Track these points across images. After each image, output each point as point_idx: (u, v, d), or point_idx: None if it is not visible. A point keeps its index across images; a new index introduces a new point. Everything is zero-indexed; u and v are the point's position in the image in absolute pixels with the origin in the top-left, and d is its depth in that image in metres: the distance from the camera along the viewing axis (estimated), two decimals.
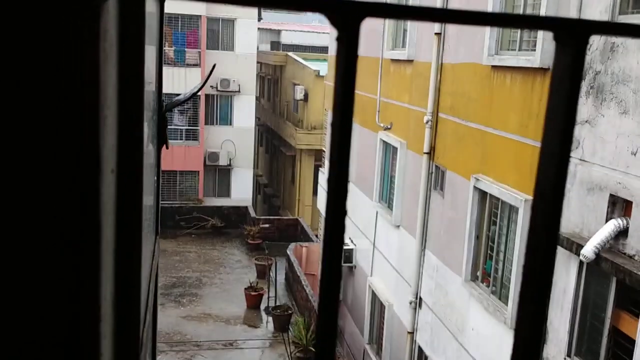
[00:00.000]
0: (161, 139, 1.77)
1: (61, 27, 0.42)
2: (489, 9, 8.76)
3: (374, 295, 13.54)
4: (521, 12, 8.27)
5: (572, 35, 0.42)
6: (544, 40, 7.44)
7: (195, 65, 25.39)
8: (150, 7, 1.56)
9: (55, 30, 0.42)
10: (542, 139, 0.43)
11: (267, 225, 22.91)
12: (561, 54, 0.42)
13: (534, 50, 7.80)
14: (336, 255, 0.44)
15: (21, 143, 0.45)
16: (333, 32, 0.41)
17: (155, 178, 1.69)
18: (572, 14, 6.94)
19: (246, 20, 26.36)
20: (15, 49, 0.43)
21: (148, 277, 1.33)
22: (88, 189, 0.47)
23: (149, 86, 1.48)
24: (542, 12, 7.48)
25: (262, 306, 17.48)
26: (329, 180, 0.43)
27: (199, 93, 23.78)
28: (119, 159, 0.57)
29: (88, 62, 0.43)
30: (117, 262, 0.67)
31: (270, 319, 16.68)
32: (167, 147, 1.85)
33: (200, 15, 25.39)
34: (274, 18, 49.74)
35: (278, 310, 16.55)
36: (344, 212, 0.42)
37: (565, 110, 0.42)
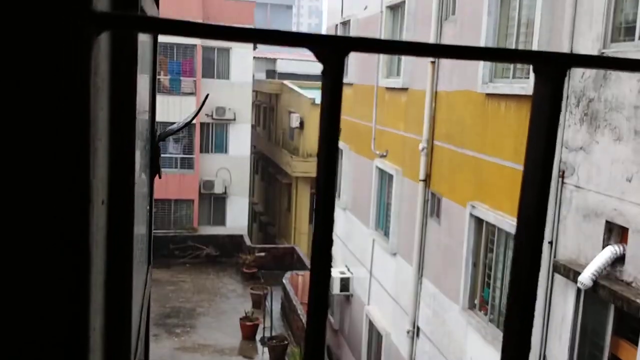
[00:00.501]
0: (154, 169, 1.78)
1: (52, 61, 0.43)
2: (482, 38, 8.89)
3: (371, 324, 13.42)
4: (514, 39, 8.39)
5: (551, 68, 0.43)
6: None
7: (190, 93, 25.56)
8: (144, 35, 1.58)
9: (46, 65, 0.43)
10: (523, 169, 0.44)
11: (262, 254, 22.78)
12: (540, 85, 0.43)
13: (528, 77, 7.90)
14: (323, 285, 0.45)
15: (10, 175, 0.46)
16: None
17: (148, 207, 1.69)
18: (565, 41, 7.04)
19: (242, 49, 26.64)
20: (7, 83, 0.44)
21: (140, 307, 1.32)
22: (78, 221, 0.47)
23: (143, 114, 1.49)
24: (535, 40, 7.59)
25: (258, 337, 17.28)
26: (316, 211, 0.43)
27: (193, 121, 23.88)
28: (110, 190, 0.57)
29: (79, 97, 0.44)
30: (108, 293, 0.67)
31: (266, 349, 16.47)
32: (159, 177, 1.86)
33: (195, 45, 25.66)
34: (270, 47, 50.24)
35: (274, 341, 16.35)
36: (330, 243, 0.43)
37: (545, 141, 0.43)
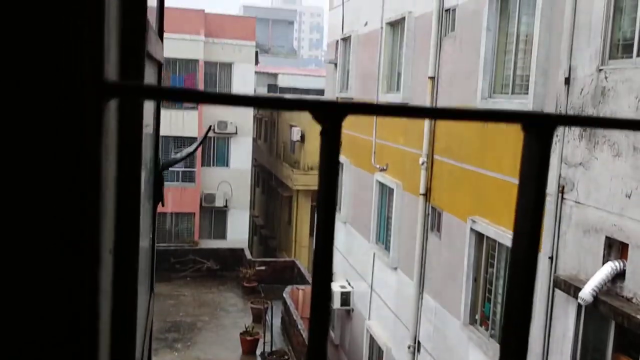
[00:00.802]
0: (157, 197, 1.80)
1: (66, 128, 0.45)
2: (481, 54, 8.94)
3: (371, 340, 13.37)
4: (513, 55, 8.44)
5: (539, 128, 0.45)
6: (536, 84, 7.58)
7: (192, 108, 25.66)
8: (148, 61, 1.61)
9: (60, 131, 0.46)
10: (514, 219, 0.46)
11: (263, 268, 22.72)
12: (529, 142, 0.45)
13: (527, 93, 7.94)
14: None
15: (22, 233, 0.48)
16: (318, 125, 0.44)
17: (151, 236, 1.71)
18: (563, 58, 7.09)
19: (243, 64, 26.80)
20: (20, 146, 0.46)
21: (142, 338, 1.33)
22: (88, 273, 0.49)
23: (147, 129, 1.51)
24: (534, 56, 7.65)
25: (258, 351, 17.20)
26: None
27: (195, 138, 23.97)
28: (117, 239, 0.60)
29: (90, 161, 0.46)
30: (112, 327, 0.69)
31: None
32: (162, 205, 1.88)
33: (198, 59, 25.81)
34: (271, 62, 50.50)
35: (274, 356, 16.28)
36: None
37: (535, 192, 0.45)
